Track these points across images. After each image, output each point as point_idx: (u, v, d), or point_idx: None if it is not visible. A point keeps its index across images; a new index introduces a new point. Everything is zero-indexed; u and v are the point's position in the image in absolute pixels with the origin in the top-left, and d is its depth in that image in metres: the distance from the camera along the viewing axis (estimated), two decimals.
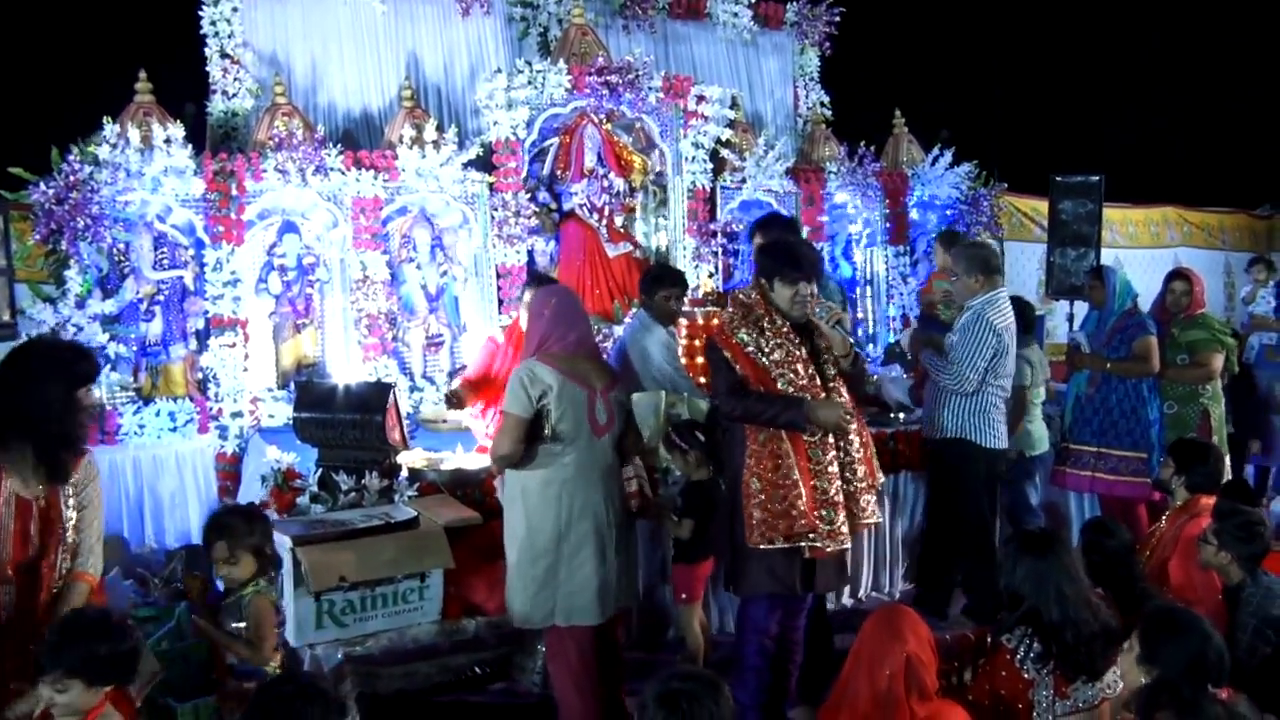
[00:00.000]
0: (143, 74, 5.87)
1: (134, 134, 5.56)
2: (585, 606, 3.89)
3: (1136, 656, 2.96)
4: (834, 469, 3.92)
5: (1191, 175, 13.03)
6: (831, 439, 3.92)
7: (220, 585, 3.83)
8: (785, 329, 3.95)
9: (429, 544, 4.24)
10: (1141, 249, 11.03)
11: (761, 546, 3.85)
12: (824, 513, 3.87)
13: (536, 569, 3.86)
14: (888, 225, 7.79)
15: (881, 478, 4.20)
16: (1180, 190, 12.19)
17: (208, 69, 6.43)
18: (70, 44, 8.64)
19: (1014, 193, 9.16)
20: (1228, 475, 5.69)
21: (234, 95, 6.43)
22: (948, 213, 8.14)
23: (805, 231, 7.40)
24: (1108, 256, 9.09)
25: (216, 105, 6.42)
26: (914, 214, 8.05)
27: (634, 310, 5.86)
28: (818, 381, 3.93)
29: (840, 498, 3.90)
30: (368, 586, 4.13)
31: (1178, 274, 6.31)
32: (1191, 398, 6.06)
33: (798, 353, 3.94)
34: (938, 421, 5.21)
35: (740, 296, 4.13)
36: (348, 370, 5.96)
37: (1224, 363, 6.13)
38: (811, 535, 3.84)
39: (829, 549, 3.87)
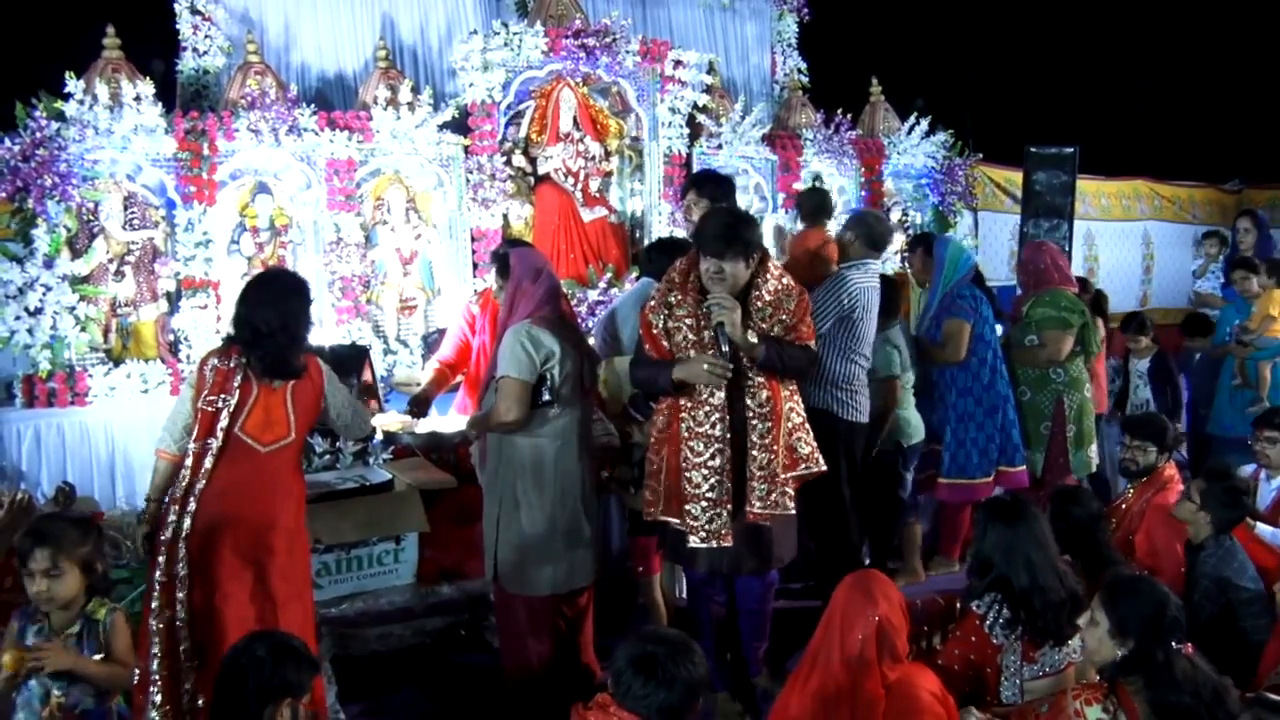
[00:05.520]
0: (110, 29, 5.75)
1: (102, 91, 5.45)
2: (577, 572, 3.92)
3: (1105, 628, 3.01)
4: (715, 462, 3.70)
5: (1164, 148, 13.09)
6: (718, 431, 3.69)
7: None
8: (693, 307, 3.73)
9: (404, 507, 4.25)
10: (1113, 221, 11.09)
11: (659, 518, 3.85)
12: (690, 507, 3.73)
13: (540, 536, 3.82)
14: (863, 193, 7.80)
15: (818, 467, 3.89)
16: (1152, 163, 12.24)
17: (177, 25, 6.31)
18: None
19: (988, 163, 9.17)
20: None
21: (205, 53, 6.33)
22: (922, 182, 8.16)
23: (780, 198, 7.43)
24: (1080, 229, 9.16)
25: (186, 63, 6.31)
26: (889, 183, 8.07)
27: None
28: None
29: (714, 494, 3.70)
30: (343, 549, 4.15)
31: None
32: (1043, 383, 5.54)
33: (705, 333, 3.70)
34: (807, 394, 4.92)
35: (675, 267, 3.88)
36: (321, 333, 5.91)
37: (1077, 343, 5.53)
38: (678, 522, 3.77)
39: (698, 542, 3.73)
